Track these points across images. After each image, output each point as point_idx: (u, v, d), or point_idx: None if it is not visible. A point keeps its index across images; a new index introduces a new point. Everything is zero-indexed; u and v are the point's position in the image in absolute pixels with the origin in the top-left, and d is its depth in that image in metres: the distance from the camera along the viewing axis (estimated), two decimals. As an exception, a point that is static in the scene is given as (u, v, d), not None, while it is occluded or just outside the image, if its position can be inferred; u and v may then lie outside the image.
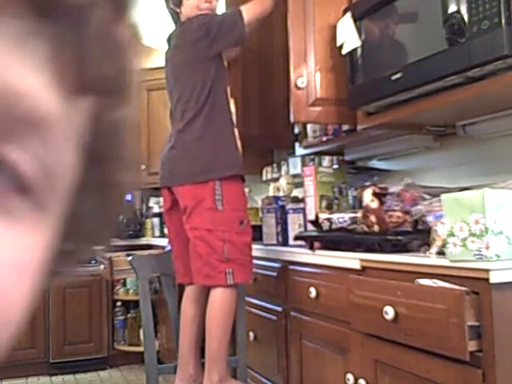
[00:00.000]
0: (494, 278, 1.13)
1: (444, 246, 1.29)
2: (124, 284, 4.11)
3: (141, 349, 3.12)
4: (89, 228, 0.30)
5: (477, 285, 1.16)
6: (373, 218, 1.66)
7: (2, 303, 0.22)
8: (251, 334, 2.33)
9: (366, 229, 1.69)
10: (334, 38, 1.95)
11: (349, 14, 1.85)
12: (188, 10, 2.08)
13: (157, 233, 4.29)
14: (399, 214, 1.66)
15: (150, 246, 4.01)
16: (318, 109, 2.06)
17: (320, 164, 2.63)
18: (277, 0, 2.11)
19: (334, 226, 1.81)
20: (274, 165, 3.11)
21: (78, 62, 0.22)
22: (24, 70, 0.21)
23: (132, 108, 0.28)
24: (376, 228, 1.65)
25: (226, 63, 2.13)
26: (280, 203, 2.39)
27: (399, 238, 1.54)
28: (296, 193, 2.66)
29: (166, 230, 3.05)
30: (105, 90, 0.24)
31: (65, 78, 0.22)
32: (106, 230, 0.31)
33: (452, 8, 1.38)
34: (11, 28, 0.20)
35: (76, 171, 0.25)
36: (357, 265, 1.60)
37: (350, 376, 1.60)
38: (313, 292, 1.84)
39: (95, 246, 0.32)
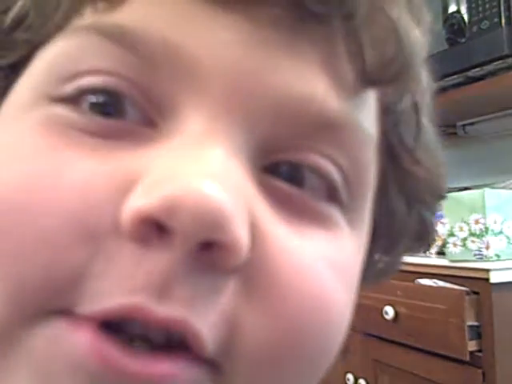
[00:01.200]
0: (494, 277, 1.13)
1: (444, 245, 1.29)
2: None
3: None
4: (400, 231, 0.28)
5: (477, 285, 1.16)
6: (373, 218, 1.66)
7: (323, 297, 0.20)
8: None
9: (366, 229, 1.69)
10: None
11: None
12: None
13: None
14: (399, 213, 1.66)
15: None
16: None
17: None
18: None
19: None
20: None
21: (352, 55, 0.21)
22: (304, 75, 0.20)
23: (421, 88, 0.26)
24: (376, 228, 1.65)
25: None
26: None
27: (399, 237, 1.54)
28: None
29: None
30: (387, 76, 0.21)
31: (342, 75, 0.21)
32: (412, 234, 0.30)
33: (452, 8, 1.38)
34: (281, 36, 0.20)
35: (376, 171, 0.24)
36: (357, 265, 1.59)
37: (350, 376, 1.60)
38: (313, 292, 1.84)
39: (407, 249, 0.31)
